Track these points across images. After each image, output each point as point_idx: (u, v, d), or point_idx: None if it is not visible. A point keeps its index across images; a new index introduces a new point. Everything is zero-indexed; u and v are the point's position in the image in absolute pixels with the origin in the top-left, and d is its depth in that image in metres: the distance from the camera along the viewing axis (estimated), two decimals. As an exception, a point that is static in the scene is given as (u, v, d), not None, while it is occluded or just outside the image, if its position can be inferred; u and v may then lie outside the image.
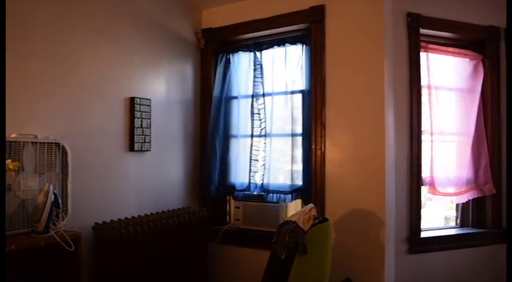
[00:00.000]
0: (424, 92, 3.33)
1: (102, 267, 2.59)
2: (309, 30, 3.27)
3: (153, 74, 3.25)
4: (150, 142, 3.15)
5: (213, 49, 3.71)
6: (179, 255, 3.03)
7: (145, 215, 3.01)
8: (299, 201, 3.35)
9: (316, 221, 2.61)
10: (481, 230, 3.49)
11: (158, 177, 3.28)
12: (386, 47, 2.99)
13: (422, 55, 3.33)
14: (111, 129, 2.88)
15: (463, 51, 3.48)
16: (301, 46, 3.33)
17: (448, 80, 3.46)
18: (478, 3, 3.46)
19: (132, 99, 3.01)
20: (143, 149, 3.09)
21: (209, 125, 3.58)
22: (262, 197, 3.37)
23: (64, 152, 2.40)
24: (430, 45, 3.38)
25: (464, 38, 3.49)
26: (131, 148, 3.00)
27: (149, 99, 3.14)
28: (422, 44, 3.31)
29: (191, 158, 3.64)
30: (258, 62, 3.48)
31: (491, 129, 3.48)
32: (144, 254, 2.74)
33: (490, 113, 3.50)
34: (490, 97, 3.50)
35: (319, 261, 2.58)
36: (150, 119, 3.14)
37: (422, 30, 3.29)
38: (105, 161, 2.82)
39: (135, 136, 3.01)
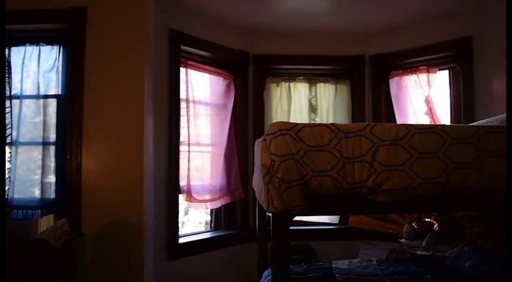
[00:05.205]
0: (183, 105, 3.56)
1: None
2: (68, 31, 3.05)
3: None
4: None
5: None
6: None
7: None
8: (51, 216, 3.07)
9: (70, 236, 2.47)
10: (232, 231, 3.94)
11: None
12: (148, 59, 3.05)
13: (182, 70, 3.55)
14: None
15: (218, 70, 3.89)
16: (58, 47, 3.09)
17: (205, 96, 3.81)
18: (232, 29, 3.94)
19: None
20: None
21: None
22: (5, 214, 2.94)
23: None
24: (190, 62, 3.64)
25: (219, 58, 3.91)
26: None
27: None
28: (182, 59, 3.55)
29: None
30: (6, 60, 3.05)
31: (241, 141, 4.00)
32: None
33: (239, 126, 4.01)
34: (240, 113, 4.01)
35: (73, 280, 2.43)
36: None
37: (183, 47, 3.52)
38: None
39: None
